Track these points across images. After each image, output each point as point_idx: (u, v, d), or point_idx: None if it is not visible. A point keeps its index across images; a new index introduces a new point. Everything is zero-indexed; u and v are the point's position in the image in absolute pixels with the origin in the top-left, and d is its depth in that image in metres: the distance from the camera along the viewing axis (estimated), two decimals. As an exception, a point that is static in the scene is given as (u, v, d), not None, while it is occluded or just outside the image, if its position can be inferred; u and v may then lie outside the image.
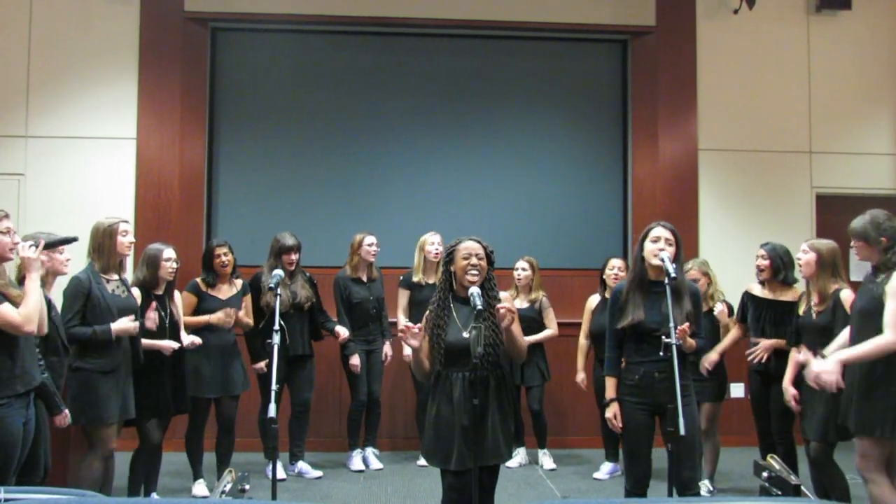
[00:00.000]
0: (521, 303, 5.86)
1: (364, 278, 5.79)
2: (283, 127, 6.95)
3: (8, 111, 6.49)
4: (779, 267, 4.83)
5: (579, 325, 5.87)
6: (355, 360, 5.67)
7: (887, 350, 3.47)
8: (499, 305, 3.15)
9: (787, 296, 4.81)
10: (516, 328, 3.24)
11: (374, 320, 5.78)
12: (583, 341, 5.69)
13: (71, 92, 6.55)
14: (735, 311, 5.12)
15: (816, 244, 4.33)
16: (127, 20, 6.59)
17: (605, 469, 5.64)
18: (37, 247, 3.38)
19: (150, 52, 6.59)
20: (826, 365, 3.58)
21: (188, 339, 4.77)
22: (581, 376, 5.67)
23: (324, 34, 7.04)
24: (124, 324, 4.13)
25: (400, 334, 3.24)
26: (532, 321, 5.81)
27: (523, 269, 5.86)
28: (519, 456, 5.95)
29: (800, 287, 4.85)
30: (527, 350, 3.37)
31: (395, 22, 6.88)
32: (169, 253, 4.69)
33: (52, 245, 3.72)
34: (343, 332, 5.56)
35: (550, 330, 5.86)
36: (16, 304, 3.24)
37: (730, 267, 5.89)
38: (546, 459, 5.88)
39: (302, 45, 7.05)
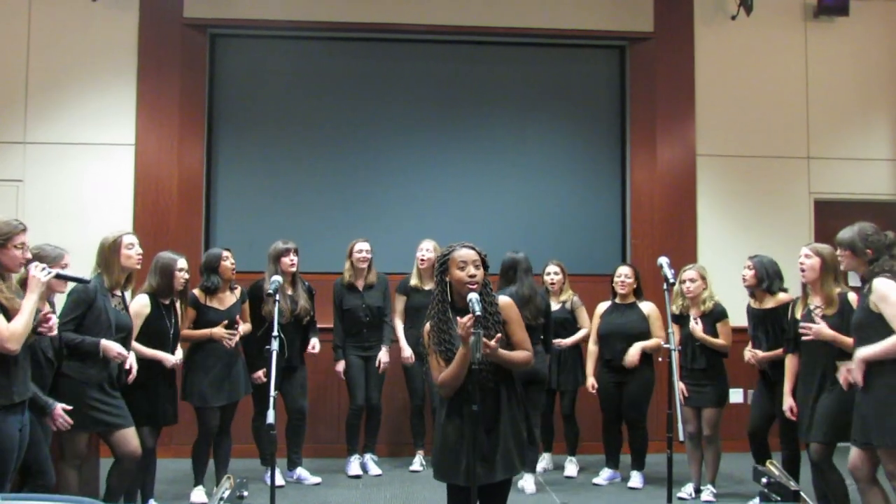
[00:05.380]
0: (553, 305, 5.87)
1: (360, 285, 5.78)
2: (282, 133, 6.95)
3: (6, 117, 6.49)
4: (762, 277, 4.94)
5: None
6: (339, 366, 5.71)
7: None
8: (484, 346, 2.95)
9: (769, 303, 4.93)
10: (503, 353, 3.05)
11: (368, 327, 5.76)
12: (592, 347, 5.67)
13: (69, 98, 6.55)
14: (718, 316, 5.19)
15: (819, 248, 4.34)
16: (126, 26, 6.59)
17: (605, 475, 5.63)
18: (49, 272, 3.39)
19: (148, 58, 6.60)
20: (852, 364, 3.74)
21: (176, 357, 4.74)
22: (591, 381, 5.65)
23: (322, 41, 7.05)
24: (113, 345, 4.06)
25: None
26: (564, 322, 5.84)
27: (556, 273, 5.88)
28: (544, 461, 5.95)
29: (784, 295, 4.90)
30: (527, 360, 3.15)
31: (392, 28, 6.90)
32: (182, 263, 4.69)
33: (63, 278, 3.71)
34: (314, 344, 5.54)
35: (584, 329, 5.85)
36: (12, 319, 3.24)
37: (728, 272, 5.88)
38: (570, 466, 5.86)
39: (300, 51, 7.06)
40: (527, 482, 5.30)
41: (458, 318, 3.02)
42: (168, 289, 4.65)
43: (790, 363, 4.51)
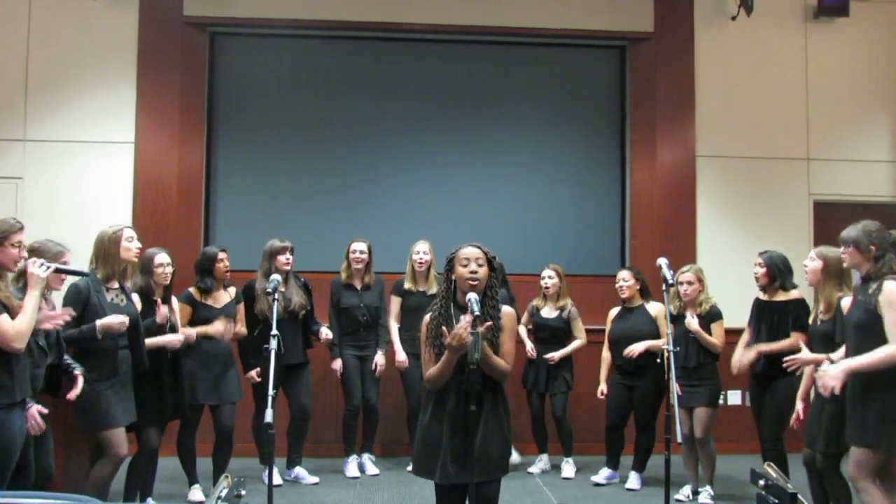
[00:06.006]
0: (550, 312, 5.86)
1: (358, 285, 5.78)
2: (282, 132, 6.95)
3: (6, 115, 6.48)
4: (775, 275, 4.91)
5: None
6: (336, 364, 5.71)
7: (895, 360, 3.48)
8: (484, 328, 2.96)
9: (782, 297, 4.89)
10: (489, 353, 3.04)
11: (364, 327, 5.76)
12: (605, 354, 5.67)
13: (69, 96, 6.54)
14: (713, 317, 5.18)
15: (824, 252, 4.29)
16: (126, 24, 6.59)
17: (604, 474, 5.63)
18: (48, 268, 3.41)
19: (148, 57, 6.59)
20: (832, 370, 3.61)
21: (185, 333, 4.78)
22: (602, 387, 5.64)
23: (322, 39, 7.05)
24: (108, 320, 4.09)
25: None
26: (559, 330, 5.83)
27: (550, 277, 5.86)
28: (542, 462, 5.95)
29: (795, 291, 4.89)
30: (505, 371, 3.12)
31: (392, 27, 6.89)
32: (161, 258, 4.68)
33: (62, 272, 3.73)
34: (326, 333, 5.53)
35: (579, 340, 5.86)
36: (14, 316, 3.26)
37: (727, 273, 5.91)
38: (567, 467, 5.85)
39: (300, 50, 7.06)
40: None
41: (462, 315, 3.04)
42: (150, 285, 4.66)
43: (808, 368, 4.43)
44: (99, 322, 4.07)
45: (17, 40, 6.51)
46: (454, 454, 3.04)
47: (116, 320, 4.10)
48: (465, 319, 2.96)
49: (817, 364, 4.01)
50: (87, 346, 4.08)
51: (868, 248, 3.72)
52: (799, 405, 4.42)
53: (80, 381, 3.88)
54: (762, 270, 4.94)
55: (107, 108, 6.57)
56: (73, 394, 3.85)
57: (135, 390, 4.32)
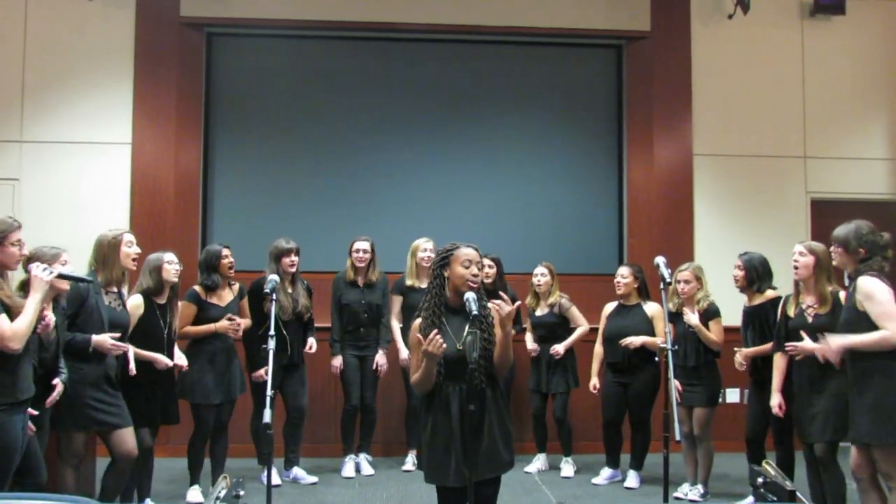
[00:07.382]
0: (542, 310, 5.85)
1: (360, 283, 5.78)
2: (279, 132, 6.94)
3: (3, 115, 6.48)
4: (753, 278, 4.92)
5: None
6: (336, 361, 5.70)
7: (889, 343, 3.54)
8: (494, 303, 3.04)
9: (756, 300, 4.91)
10: (508, 339, 3.11)
11: (365, 325, 5.76)
12: (598, 349, 5.67)
13: (66, 96, 6.54)
14: (711, 315, 5.15)
15: (813, 246, 4.34)
16: (122, 25, 6.59)
17: (605, 475, 5.63)
18: (50, 272, 3.43)
19: (145, 57, 6.59)
20: (832, 343, 3.71)
21: (182, 360, 4.80)
22: (594, 381, 5.66)
23: (319, 39, 7.05)
24: (105, 339, 4.08)
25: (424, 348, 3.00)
26: (554, 326, 5.82)
27: (543, 275, 5.84)
28: (539, 462, 5.95)
29: (770, 292, 4.88)
30: (511, 360, 3.20)
31: (390, 27, 6.89)
32: (170, 256, 4.72)
33: (66, 278, 3.73)
34: (311, 344, 5.52)
35: (582, 328, 5.84)
36: (15, 317, 3.27)
37: (724, 272, 5.87)
38: (566, 467, 5.85)
39: (297, 50, 7.05)
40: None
41: (453, 315, 3.11)
42: (160, 285, 4.65)
43: (779, 361, 4.48)
44: (94, 338, 4.06)
45: (14, 41, 6.51)
46: (465, 455, 3.02)
47: (108, 343, 4.08)
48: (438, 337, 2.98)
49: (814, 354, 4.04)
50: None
51: (856, 251, 3.78)
52: (777, 398, 4.47)
53: (59, 390, 3.79)
54: (741, 273, 4.95)
55: (103, 109, 6.56)
56: (49, 401, 3.77)
57: (125, 392, 4.30)
